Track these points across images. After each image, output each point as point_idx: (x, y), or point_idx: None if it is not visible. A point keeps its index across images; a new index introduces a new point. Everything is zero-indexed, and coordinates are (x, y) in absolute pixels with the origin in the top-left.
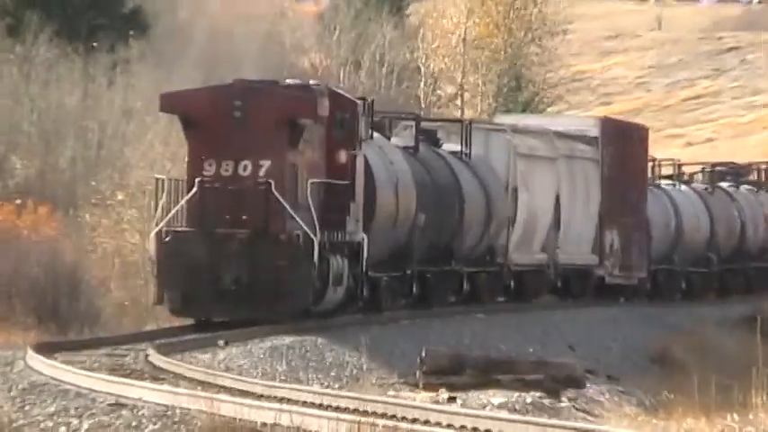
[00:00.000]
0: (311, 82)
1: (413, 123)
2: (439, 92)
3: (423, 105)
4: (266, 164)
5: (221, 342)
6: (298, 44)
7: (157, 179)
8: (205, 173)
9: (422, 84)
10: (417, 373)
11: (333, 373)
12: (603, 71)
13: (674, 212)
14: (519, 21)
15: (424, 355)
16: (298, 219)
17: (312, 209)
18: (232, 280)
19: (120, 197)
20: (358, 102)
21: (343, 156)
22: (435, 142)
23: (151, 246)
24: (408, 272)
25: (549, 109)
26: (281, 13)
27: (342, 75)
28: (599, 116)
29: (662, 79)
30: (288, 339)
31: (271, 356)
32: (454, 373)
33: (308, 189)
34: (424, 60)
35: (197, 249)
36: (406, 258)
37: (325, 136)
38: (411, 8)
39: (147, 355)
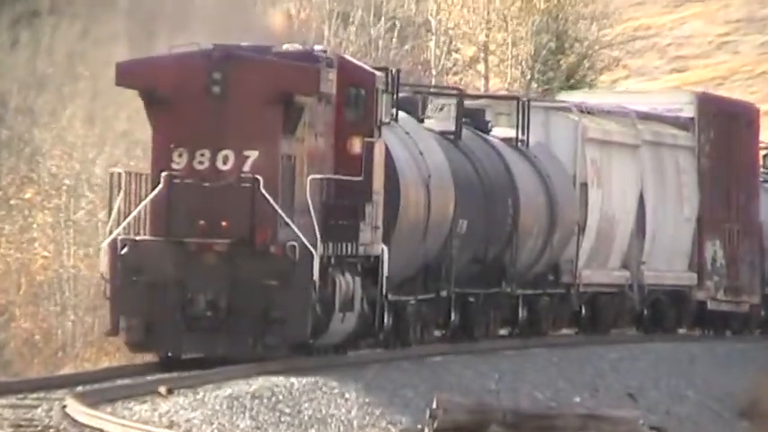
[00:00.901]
0: (316, 47)
1: (453, 101)
2: (455, 54)
3: (434, 72)
4: (253, 154)
5: (163, 389)
6: None
7: (112, 173)
8: (174, 165)
9: (432, 44)
10: (426, 431)
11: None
12: (675, 26)
13: None
14: None
15: (435, 406)
16: (293, 225)
17: (312, 213)
18: (207, 304)
19: (27, 195)
20: (377, 74)
21: (356, 144)
22: (483, 126)
23: (103, 259)
24: (444, 294)
25: (602, 77)
26: None
27: (326, 31)
28: (694, 91)
29: (754, 37)
30: (254, 385)
31: (230, 408)
32: (475, 431)
33: (308, 187)
34: (434, 12)
35: (163, 264)
36: (441, 277)
37: (334, 118)
38: None
39: (64, 407)
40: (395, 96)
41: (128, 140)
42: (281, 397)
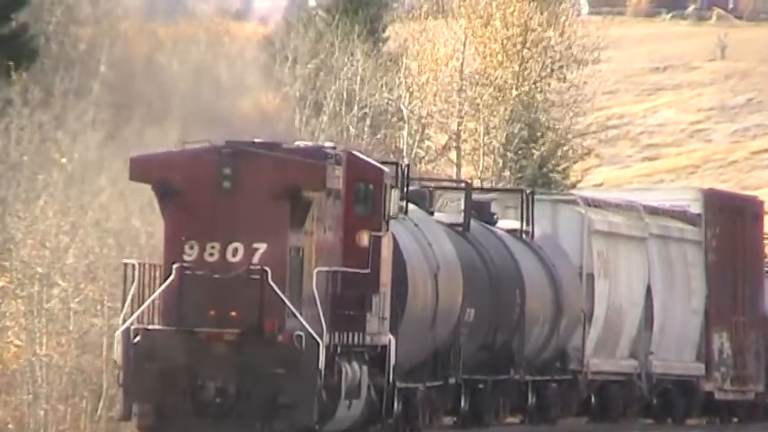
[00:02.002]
0: (327, 144)
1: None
2: (427, 142)
3: (405, 161)
4: (262, 247)
5: None
6: (237, 78)
7: (126, 264)
8: (186, 257)
9: (405, 131)
10: None
11: None
12: (648, 115)
13: None
14: (535, 47)
15: None
16: (299, 316)
17: (319, 304)
18: (217, 391)
19: (0, 283)
20: (386, 169)
21: (364, 238)
22: (489, 218)
23: (117, 348)
24: (452, 381)
25: (575, 166)
26: (214, 38)
27: (297, 119)
28: (701, 188)
29: (726, 125)
30: None
31: None
32: None
33: (315, 279)
34: (406, 101)
35: (174, 352)
36: (450, 364)
37: (342, 212)
38: (389, 30)
39: None
40: (405, 190)
41: (100, 229)
42: None
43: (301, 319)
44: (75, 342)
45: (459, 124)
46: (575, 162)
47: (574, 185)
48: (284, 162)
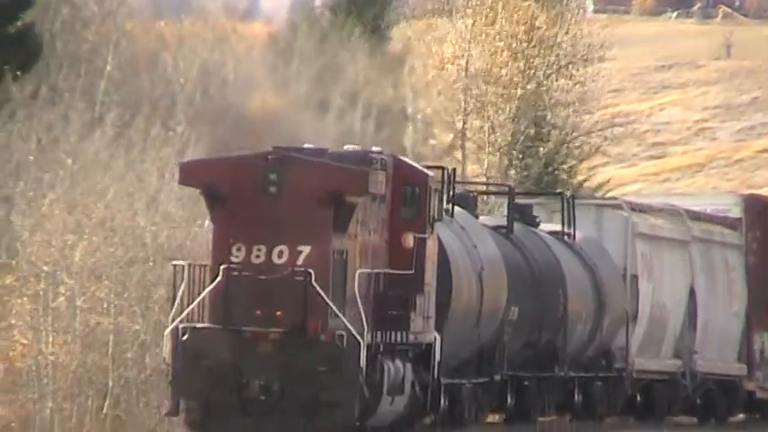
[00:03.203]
0: (374, 149)
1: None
2: (432, 141)
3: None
4: (306, 250)
5: None
6: (243, 78)
7: (176, 265)
8: (233, 259)
9: (409, 130)
10: None
11: None
12: (653, 113)
13: None
14: (540, 45)
15: None
16: (341, 316)
17: (360, 304)
18: (261, 388)
19: (7, 281)
20: (430, 174)
21: (409, 240)
22: (531, 221)
23: (166, 345)
24: (497, 377)
25: (582, 164)
26: (220, 37)
27: (302, 118)
28: (742, 193)
29: (732, 123)
30: None
31: None
32: None
33: (356, 280)
34: (411, 99)
35: (220, 350)
36: (495, 361)
37: (388, 215)
38: (394, 30)
39: None
40: (451, 193)
41: (106, 228)
42: None
43: (343, 319)
44: (80, 340)
45: (465, 122)
46: (581, 160)
47: (580, 184)
48: (328, 168)
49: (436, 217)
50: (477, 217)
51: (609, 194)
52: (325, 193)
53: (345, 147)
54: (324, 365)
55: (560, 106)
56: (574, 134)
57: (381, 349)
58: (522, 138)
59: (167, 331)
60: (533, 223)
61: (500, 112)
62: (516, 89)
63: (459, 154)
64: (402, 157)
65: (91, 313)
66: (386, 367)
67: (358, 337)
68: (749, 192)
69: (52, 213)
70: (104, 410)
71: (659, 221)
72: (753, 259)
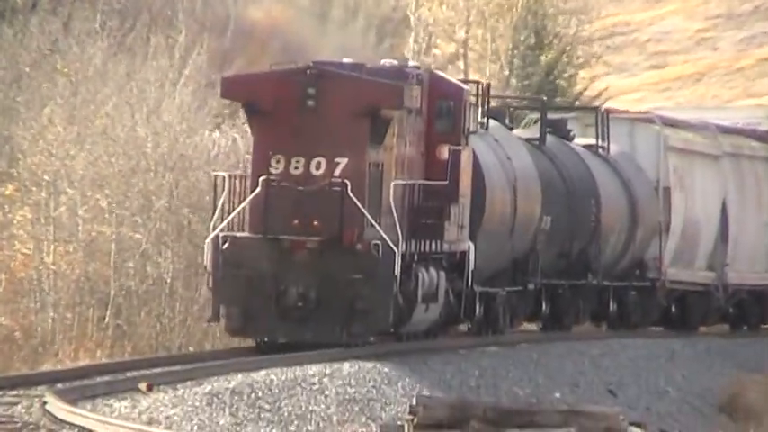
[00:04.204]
0: (411, 63)
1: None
2: (435, 51)
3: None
4: (343, 162)
5: (143, 385)
6: None
7: (215, 176)
8: (272, 170)
9: (411, 40)
10: (406, 427)
11: (292, 428)
12: (654, 22)
13: None
14: None
15: (414, 403)
16: (377, 226)
17: (395, 214)
18: (299, 295)
19: (7, 191)
20: (465, 88)
21: (444, 152)
22: (565, 134)
23: (207, 254)
24: (531, 287)
25: (582, 73)
26: None
27: (304, 30)
28: None
29: (733, 33)
30: (233, 382)
31: (210, 405)
32: (455, 427)
33: (392, 191)
34: (413, 9)
35: (259, 259)
36: (529, 270)
37: (424, 129)
38: None
39: (44, 403)
40: (486, 107)
41: (107, 138)
42: (260, 393)
43: (378, 229)
44: (82, 250)
45: (467, 32)
46: (581, 68)
47: (581, 93)
48: (364, 83)
49: (471, 130)
50: (510, 130)
51: (609, 103)
52: (362, 106)
53: (382, 61)
54: (359, 274)
55: (561, 15)
56: (574, 43)
57: (416, 258)
58: (522, 47)
59: (208, 240)
60: (567, 137)
61: (501, 21)
62: None
63: (461, 63)
64: (438, 72)
65: (92, 223)
66: (420, 275)
67: (393, 247)
68: None
69: (53, 123)
70: (106, 320)
71: (691, 135)
72: None
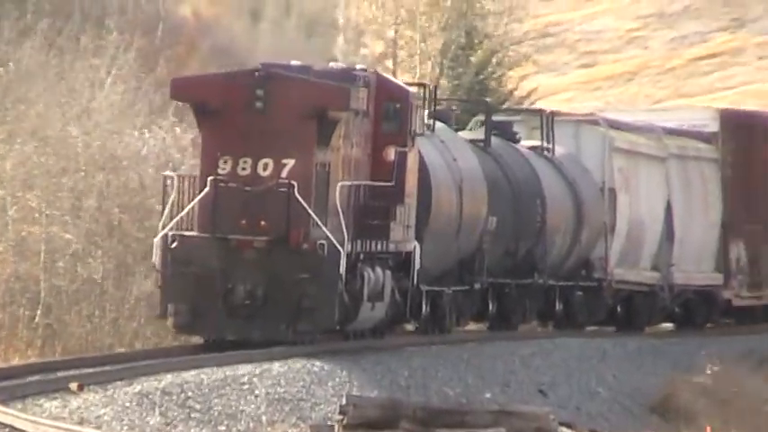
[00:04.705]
0: (358, 67)
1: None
2: (364, 50)
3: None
4: (290, 163)
5: (74, 385)
6: None
7: (165, 176)
8: (220, 171)
9: (340, 39)
10: (336, 427)
11: (222, 428)
12: (585, 22)
13: None
14: None
15: (344, 402)
16: (322, 226)
17: (341, 215)
18: (246, 293)
19: None
20: (412, 90)
21: (390, 153)
22: (511, 137)
23: (156, 252)
24: (477, 286)
25: (510, 72)
26: None
27: (235, 27)
28: (718, 108)
29: (664, 33)
30: (163, 382)
31: (140, 405)
32: (385, 427)
33: (338, 192)
34: (343, 8)
35: (208, 257)
36: (475, 269)
37: (371, 130)
38: None
39: None
40: (432, 109)
41: (37, 138)
42: (190, 393)
43: (324, 229)
44: (12, 250)
45: (396, 31)
46: (510, 69)
47: (511, 93)
48: (311, 85)
49: (417, 132)
50: (457, 131)
51: (539, 103)
52: (309, 108)
53: (330, 64)
54: (305, 273)
55: (491, 15)
56: (504, 43)
57: (362, 258)
58: (453, 47)
59: (157, 239)
60: (513, 139)
61: (431, 21)
62: None
63: (390, 63)
64: (385, 75)
65: (22, 223)
66: (366, 275)
67: (338, 246)
68: (725, 107)
69: None
70: (36, 319)
71: (636, 138)
72: (728, 171)
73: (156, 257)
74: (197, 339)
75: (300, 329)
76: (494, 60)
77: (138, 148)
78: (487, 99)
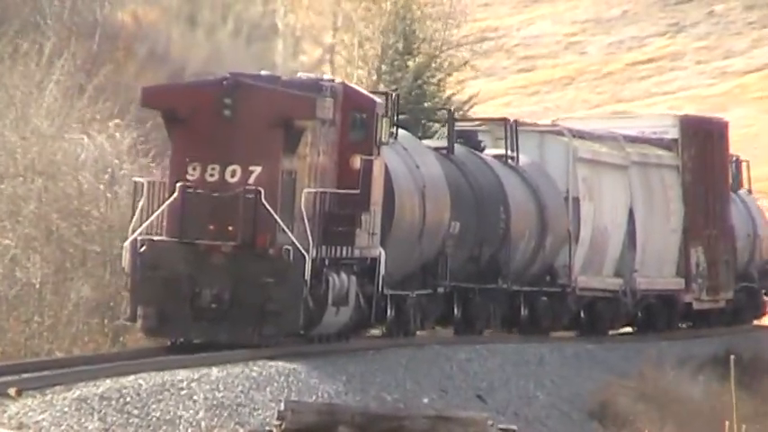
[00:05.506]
0: (326, 77)
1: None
2: (302, 57)
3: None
4: (257, 170)
5: (12, 391)
6: None
7: (136, 182)
8: (189, 177)
9: (279, 46)
10: None
11: None
12: (523, 27)
13: (749, 217)
14: None
15: (283, 407)
16: (288, 232)
17: (306, 221)
18: (213, 297)
19: None
20: (378, 100)
21: (356, 161)
22: (476, 145)
23: (125, 256)
24: (441, 290)
25: (449, 78)
26: None
27: (173, 33)
28: (678, 114)
29: (601, 38)
30: (101, 387)
31: (78, 410)
32: None
33: (303, 199)
34: (281, 14)
35: (176, 262)
36: (438, 274)
37: (338, 139)
38: None
39: None
40: (396, 117)
41: None
42: (129, 398)
43: (290, 234)
44: None
45: (334, 37)
46: (448, 74)
47: (449, 98)
48: (278, 94)
49: (383, 141)
50: (420, 139)
51: (477, 108)
52: (276, 117)
53: (299, 74)
54: (271, 277)
55: (429, 20)
56: (443, 47)
57: (327, 263)
58: (391, 52)
59: (126, 243)
60: (478, 148)
61: (369, 26)
62: (386, 3)
63: (328, 68)
64: (352, 85)
65: None
66: (331, 280)
67: (303, 252)
68: (684, 113)
69: None
70: None
71: (599, 147)
72: (688, 177)
73: (125, 261)
74: (135, 344)
75: (266, 333)
76: (432, 65)
77: (77, 153)
78: (451, 107)
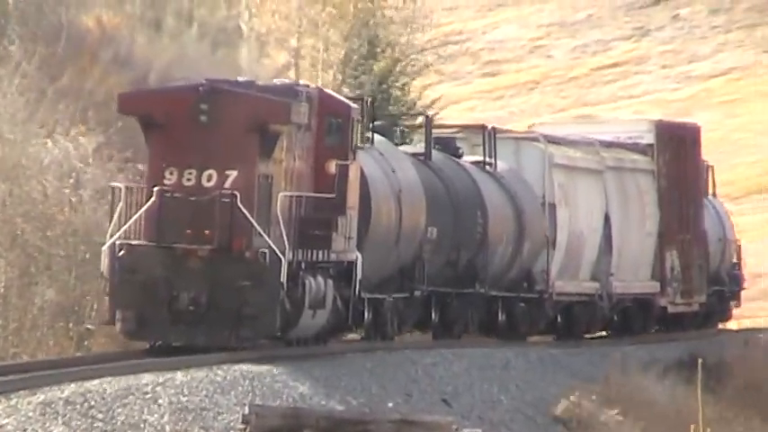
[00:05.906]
0: (301, 82)
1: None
2: (267, 61)
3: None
4: (233, 174)
5: None
6: None
7: (113, 187)
8: (166, 181)
9: (244, 50)
10: None
11: None
12: (488, 31)
13: (719, 221)
14: None
15: (247, 411)
16: (264, 235)
17: (282, 224)
18: (190, 300)
19: None
20: (353, 105)
21: (332, 166)
22: (454, 151)
23: (104, 260)
24: (418, 293)
25: (414, 82)
26: None
27: (137, 38)
28: (653, 120)
29: (566, 41)
30: (66, 391)
31: (43, 415)
32: None
33: (279, 203)
34: (246, 19)
35: (153, 266)
36: (415, 277)
37: (313, 143)
38: None
39: None
40: (372, 122)
41: None
42: (93, 402)
43: (266, 238)
44: None
45: (298, 41)
46: (413, 79)
47: (414, 102)
48: (254, 99)
49: (358, 145)
50: (397, 144)
51: (442, 113)
52: (251, 121)
53: (274, 80)
54: (247, 280)
55: (393, 24)
56: (407, 52)
57: (303, 266)
58: (355, 56)
59: (105, 247)
60: (456, 154)
61: (334, 30)
62: (349, 7)
63: (293, 73)
64: (327, 90)
65: None
66: (307, 283)
67: (279, 255)
68: (659, 118)
69: None
70: None
71: (575, 153)
72: (663, 182)
73: (104, 265)
74: (100, 348)
75: (242, 335)
76: (397, 69)
77: (42, 157)
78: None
